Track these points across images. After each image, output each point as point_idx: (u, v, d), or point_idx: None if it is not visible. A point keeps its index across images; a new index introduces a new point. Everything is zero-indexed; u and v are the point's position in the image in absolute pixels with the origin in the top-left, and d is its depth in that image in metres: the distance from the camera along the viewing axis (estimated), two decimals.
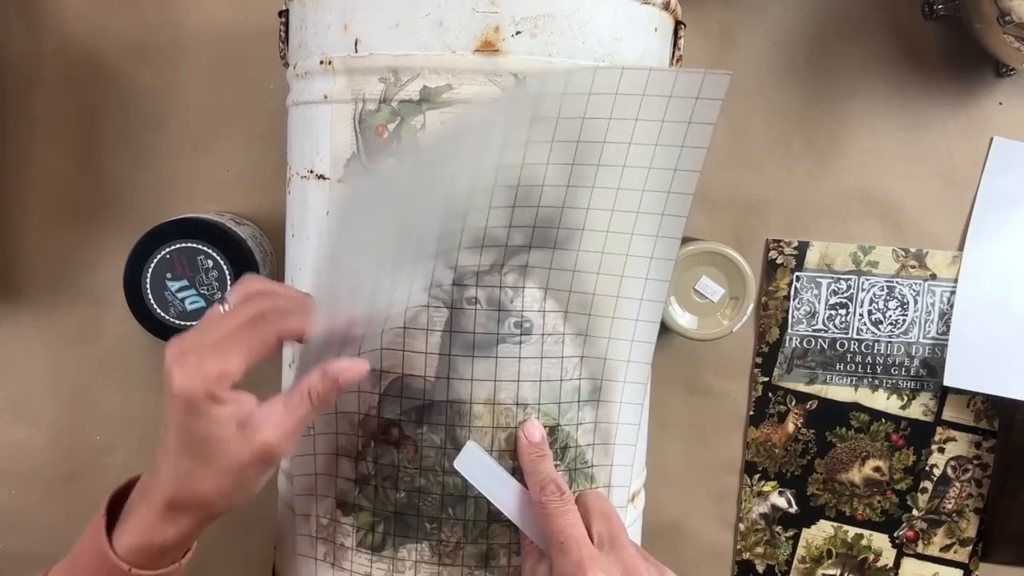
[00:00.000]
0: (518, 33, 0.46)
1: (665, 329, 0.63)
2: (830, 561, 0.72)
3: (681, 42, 0.54)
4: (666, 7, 0.51)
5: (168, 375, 0.42)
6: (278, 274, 0.67)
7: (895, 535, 0.71)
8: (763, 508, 0.71)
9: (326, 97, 0.49)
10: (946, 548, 0.72)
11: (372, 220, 0.47)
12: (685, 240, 0.65)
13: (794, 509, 0.71)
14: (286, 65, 0.56)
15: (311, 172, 0.51)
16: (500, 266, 0.48)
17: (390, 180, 0.47)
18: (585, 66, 0.47)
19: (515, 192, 0.47)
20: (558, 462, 0.50)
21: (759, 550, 0.72)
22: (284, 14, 0.55)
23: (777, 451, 0.71)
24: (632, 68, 0.46)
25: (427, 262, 0.48)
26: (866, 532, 0.71)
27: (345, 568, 0.51)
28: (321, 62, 0.49)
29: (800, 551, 0.72)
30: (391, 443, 0.49)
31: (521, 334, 0.49)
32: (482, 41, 0.46)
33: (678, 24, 0.53)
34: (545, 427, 0.49)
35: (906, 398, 0.70)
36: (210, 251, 0.59)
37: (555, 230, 0.49)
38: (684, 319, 0.64)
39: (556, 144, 0.47)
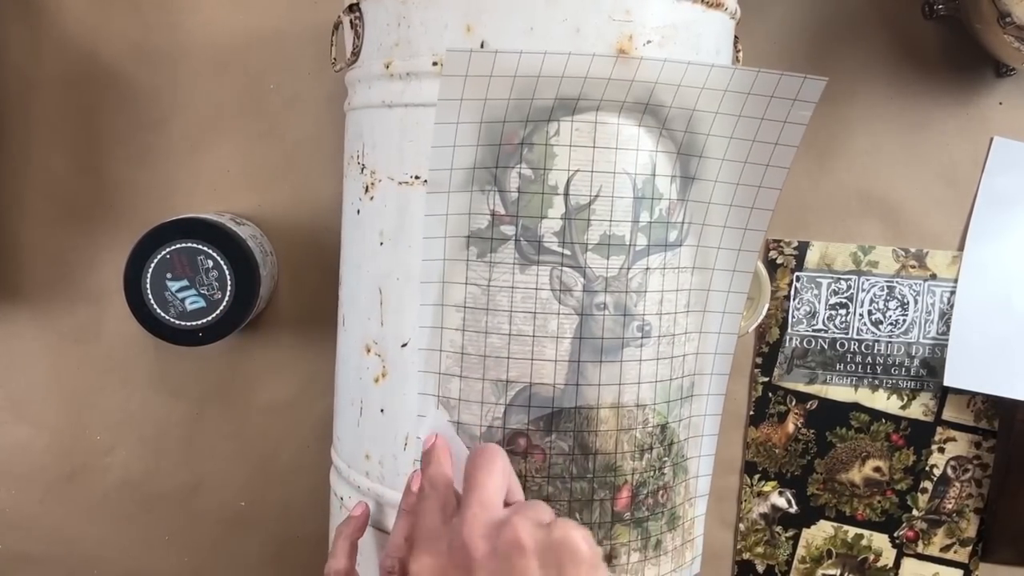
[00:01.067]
0: (649, 42, 0.47)
1: None
2: (830, 561, 0.72)
3: (740, 54, 0.57)
4: (736, 20, 0.54)
5: None
6: (283, 275, 0.67)
7: (895, 535, 0.71)
8: (763, 508, 0.71)
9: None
10: (946, 548, 0.72)
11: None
12: None
13: (794, 509, 0.71)
14: (350, 63, 0.54)
15: (415, 178, 0.50)
16: (627, 270, 0.49)
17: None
18: (701, 63, 0.48)
19: (632, 182, 0.48)
20: (667, 458, 0.51)
21: (759, 550, 0.72)
22: (356, 8, 0.52)
23: (777, 451, 0.71)
24: (743, 68, 0.49)
25: (549, 262, 0.48)
26: (866, 532, 0.71)
27: None
28: (435, 63, 0.48)
29: (800, 551, 0.72)
30: (518, 453, 0.49)
31: (642, 337, 0.49)
32: (617, 49, 0.46)
33: (736, 37, 0.56)
34: (657, 425, 0.51)
35: (906, 398, 0.70)
36: (210, 251, 0.59)
37: (665, 225, 0.50)
38: None
39: (666, 131, 0.49)
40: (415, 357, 0.50)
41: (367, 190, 0.53)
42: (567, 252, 0.48)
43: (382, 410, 0.52)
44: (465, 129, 0.48)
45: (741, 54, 0.57)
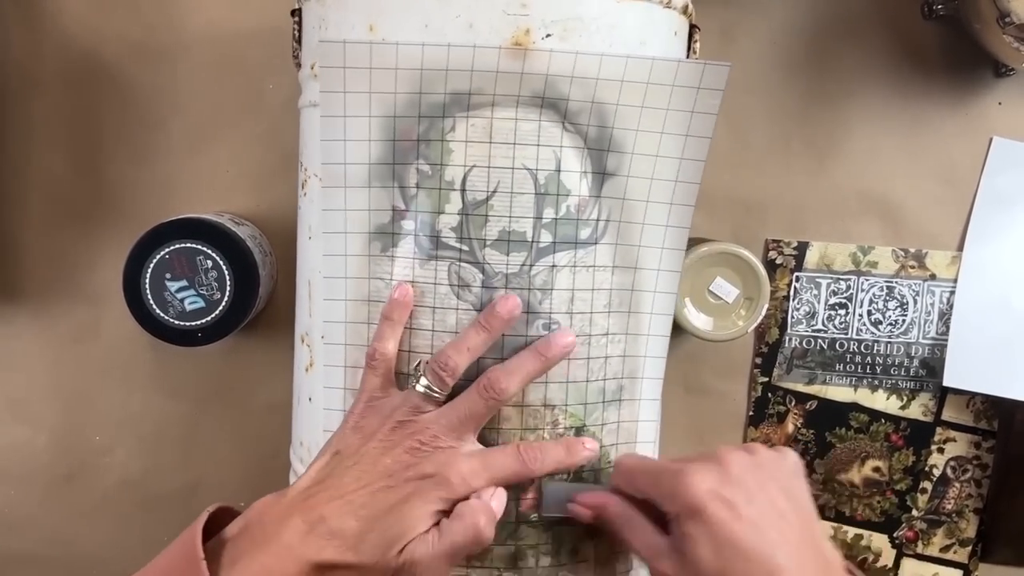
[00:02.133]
0: (548, 36, 0.46)
1: (680, 331, 0.63)
2: None
3: (697, 45, 0.54)
4: (684, 11, 0.52)
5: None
6: (282, 275, 0.67)
7: (895, 535, 0.71)
8: None
9: None
10: (946, 548, 0.72)
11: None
12: (699, 241, 0.65)
13: None
14: (299, 65, 0.55)
15: None
16: (529, 266, 0.48)
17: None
18: (590, 52, 0.47)
19: (534, 178, 0.48)
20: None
21: None
22: (297, 13, 0.54)
23: None
24: (635, 57, 0.47)
25: (447, 258, 0.48)
26: (866, 532, 0.71)
27: None
28: None
29: None
30: None
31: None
32: (512, 43, 0.46)
33: (693, 27, 0.54)
34: (571, 428, 0.50)
35: (905, 398, 0.70)
36: (209, 251, 0.59)
37: (575, 222, 0.49)
38: (699, 320, 0.63)
39: (570, 126, 0.48)
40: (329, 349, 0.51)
41: (303, 187, 0.54)
42: (464, 248, 0.48)
43: (310, 398, 0.53)
44: (355, 123, 0.48)
45: (698, 44, 0.54)
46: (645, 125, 0.49)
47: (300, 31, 0.54)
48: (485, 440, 0.48)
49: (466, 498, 0.46)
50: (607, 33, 0.48)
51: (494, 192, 0.47)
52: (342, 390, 0.50)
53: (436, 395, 0.47)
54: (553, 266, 0.48)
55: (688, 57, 0.54)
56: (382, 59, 0.46)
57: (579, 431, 0.50)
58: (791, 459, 0.47)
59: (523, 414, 0.49)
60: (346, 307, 0.50)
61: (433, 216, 0.48)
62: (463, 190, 0.47)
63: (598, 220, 0.49)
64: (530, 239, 0.48)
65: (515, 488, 0.48)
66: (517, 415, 0.49)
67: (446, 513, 0.45)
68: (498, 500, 0.46)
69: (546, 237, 0.48)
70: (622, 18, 0.48)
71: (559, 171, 0.48)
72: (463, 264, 0.48)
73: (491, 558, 0.49)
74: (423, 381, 0.47)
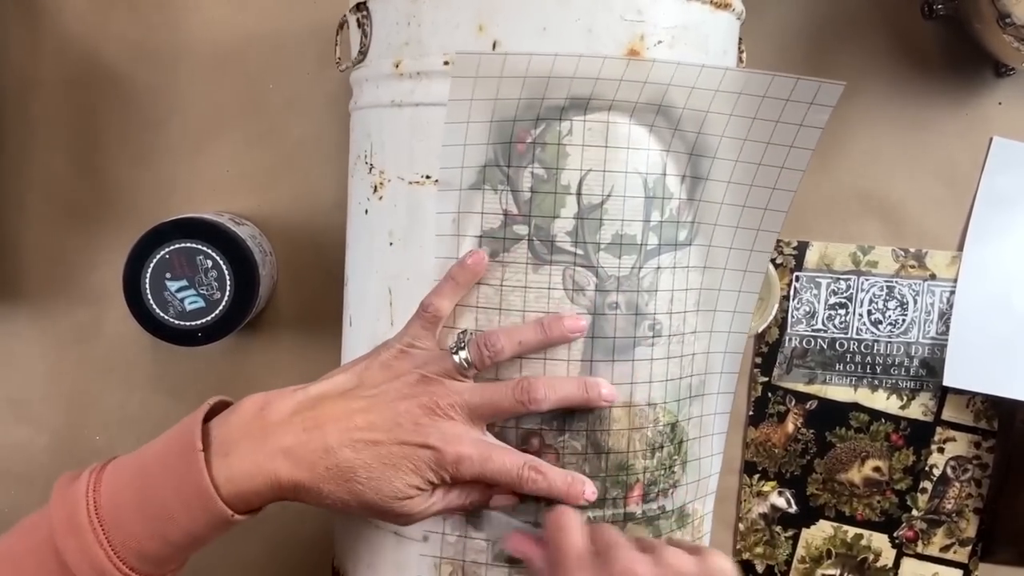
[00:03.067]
0: (659, 43, 0.47)
1: None
2: (830, 561, 0.72)
3: (743, 54, 0.57)
4: (742, 22, 0.54)
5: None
6: (282, 275, 0.67)
7: (895, 535, 0.71)
8: (763, 508, 0.71)
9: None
10: (946, 548, 0.72)
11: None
12: None
13: (794, 509, 0.71)
14: (357, 63, 0.53)
15: (426, 178, 0.50)
16: (638, 269, 0.49)
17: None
18: (715, 66, 0.49)
19: (644, 181, 0.48)
20: (676, 456, 0.51)
21: (759, 550, 0.72)
22: (363, 7, 0.52)
23: (777, 451, 0.71)
24: (758, 72, 0.49)
25: (562, 262, 0.48)
26: (866, 532, 0.71)
27: None
28: (446, 62, 0.48)
29: (800, 551, 0.72)
30: (532, 453, 0.49)
31: (653, 336, 0.49)
32: (628, 49, 0.47)
33: (740, 39, 0.56)
34: (668, 424, 0.51)
35: (906, 398, 0.70)
36: (210, 251, 0.59)
37: (675, 224, 0.50)
38: None
39: (678, 132, 0.49)
40: None
41: (376, 190, 0.52)
42: (580, 252, 0.48)
43: None
44: (476, 128, 0.48)
45: (744, 54, 0.57)
46: (753, 135, 0.51)
47: (370, 27, 0.52)
48: (597, 442, 0.49)
49: (452, 480, 0.47)
50: (702, 42, 0.49)
51: (608, 196, 0.48)
52: None
53: (468, 368, 0.47)
54: (658, 268, 0.49)
55: (738, 63, 0.57)
56: (513, 69, 0.46)
57: (673, 427, 0.51)
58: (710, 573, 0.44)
59: (630, 414, 0.49)
60: (454, 313, 0.49)
61: (548, 220, 0.48)
62: (579, 194, 0.48)
63: (693, 223, 0.51)
64: (639, 242, 0.49)
65: (622, 486, 0.50)
66: (626, 416, 0.49)
67: (432, 484, 0.46)
68: (474, 496, 0.48)
69: (652, 240, 0.49)
70: (714, 28, 0.50)
71: (665, 175, 0.49)
72: (578, 268, 0.48)
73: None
74: (463, 353, 0.47)
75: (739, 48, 0.56)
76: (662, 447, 0.51)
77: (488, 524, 0.49)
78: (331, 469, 0.45)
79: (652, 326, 0.49)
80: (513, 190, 0.48)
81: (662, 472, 0.51)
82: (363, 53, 0.53)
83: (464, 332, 0.48)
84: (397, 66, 0.50)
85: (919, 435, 0.70)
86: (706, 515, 0.56)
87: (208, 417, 0.46)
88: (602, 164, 0.48)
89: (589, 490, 0.48)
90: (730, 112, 0.50)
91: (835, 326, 0.70)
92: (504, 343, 0.47)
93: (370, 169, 0.53)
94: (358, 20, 0.53)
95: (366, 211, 0.53)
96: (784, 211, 0.53)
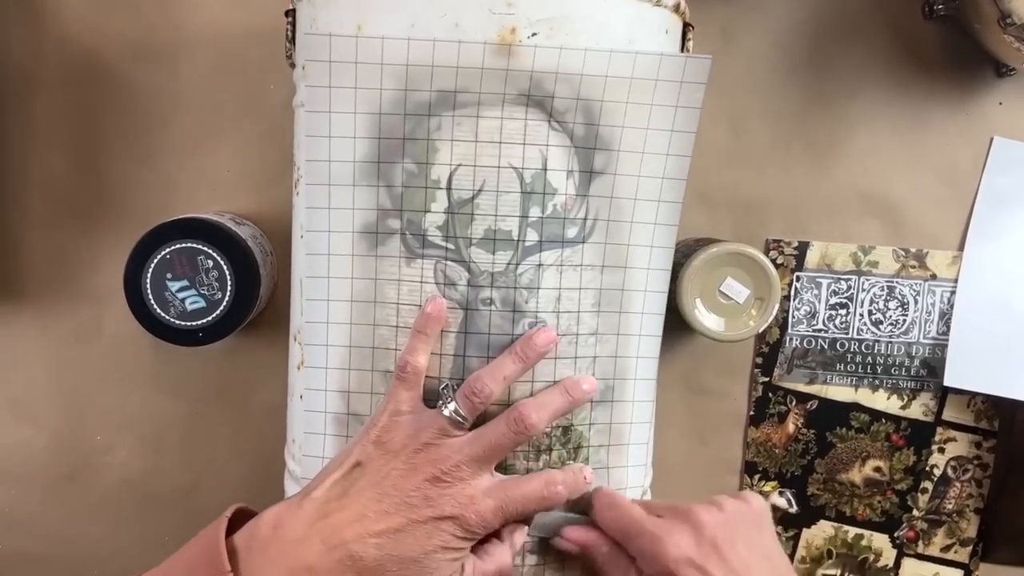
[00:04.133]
0: (534, 35, 0.46)
1: (685, 330, 0.63)
2: (830, 561, 0.72)
3: (690, 44, 0.54)
4: (676, 9, 0.51)
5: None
6: (283, 275, 0.67)
7: (895, 535, 0.71)
8: None
9: None
10: (946, 548, 0.72)
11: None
12: (709, 241, 0.65)
13: (794, 509, 0.71)
14: (292, 65, 0.55)
15: None
16: (515, 265, 0.48)
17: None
18: (572, 47, 0.47)
19: (520, 177, 0.48)
20: (571, 461, 0.50)
21: None
22: (291, 13, 0.54)
23: (777, 451, 0.71)
24: (620, 52, 0.47)
25: (433, 256, 0.48)
26: (866, 532, 0.71)
27: None
28: None
29: (800, 551, 0.72)
30: None
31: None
32: (498, 42, 0.46)
33: (686, 26, 0.53)
34: (558, 427, 0.50)
35: (906, 398, 0.70)
36: (210, 251, 0.59)
37: (561, 220, 0.48)
38: (710, 321, 0.63)
39: (554, 123, 0.47)
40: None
41: (295, 187, 0.54)
42: (451, 246, 0.48)
43: (300, 396, 0.53)
44: (340, 119, 0.48)
45: (691, 43, 0.54)
46: (630, 121, 0.49)
47: (293, 31, 0.54)
48: None
49: (486, 536, 0.47)
50: (595, 32, 0.47)
51: (480, 191, 0.47)
52: (323, 392, 0.50)
53: (463, 421, 0.47)
54: (539, 265, 0.48)
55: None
56: (368, 54, 0.46)
57: (566, 430, 0.50)
58: (755, 507, 0.49)
59: None
60: (328, 307, 0.49)
61: (419, 215, 0.48)
62: (449, 189, 0.48)
63: (585, 219, 0.49)
64: (516, 238, 0.48)
65: (507, 470, 0.49)
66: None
67: (465, 545, 0.46)
68: (519, 535, 0.48)
69: (532, 236, 0.48)
70: (610, 16, 0.48)
71: (545, 170, 0.48)
72: (449, 263, 0.48)
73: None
74: (451, 406, 0.46)
75: (684, 36, 0.53)
76: (551, 450, 0.50)
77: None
78: (362, 573, 0.44)
79: (533, 324, 0.48)
80: (386, 185, 0.48)
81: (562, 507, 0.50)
82: (288, 56, 0.55)
83: (446, 387, 0.48)
84: (303, 68, 0.52)
85: (920, 435, 0.70)
86: None
87: (230, 524, 0.46)
88: (472, 159, 0.47)
89: (588, 472, 0.49)
90: (602, 98, 0.48)
91: (836, 326, 0.70)
92: (489, 384, 0.46)
93: (294, 167, 0.54)
94: (286, 25, 0.55)
95: (293, 207, 0.55)
96: (679, 202, 0.50)
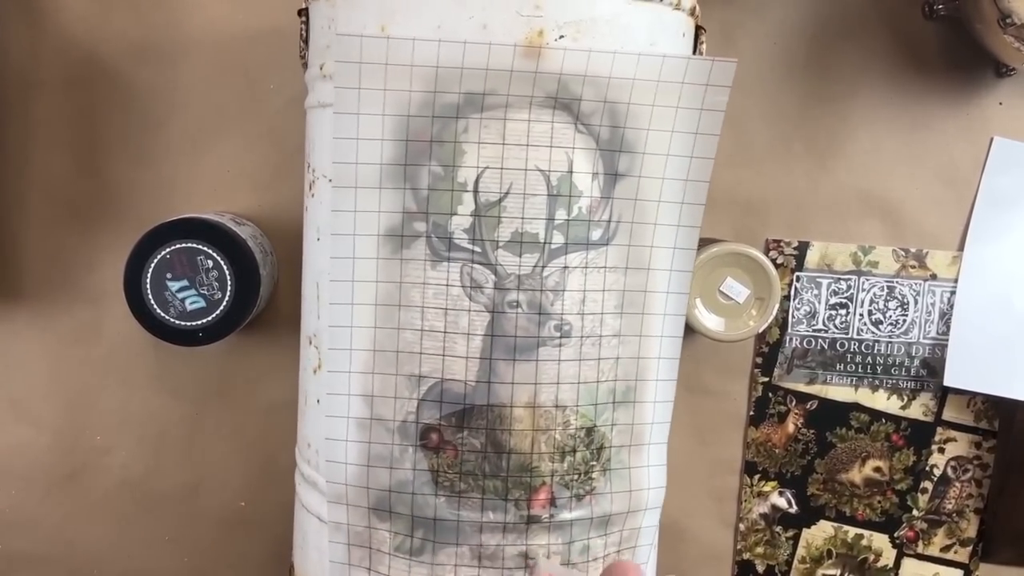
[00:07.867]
0: (561, 37, 0.46)
1: (691, 331, 0.63)
2: (830, 561, 0.72)
3: (703, 46, 0.54)
4: (692, 12, 0.52)
5: None
6: (283, 275, 0.67)
7: (895, 535, 0.71)
8: (763, 508, 0.71)
9: None
10: (946, 548, 0.72)
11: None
12: (709, 241, 0.65)
13: (794, 509, 0.71)
14: (305, 66, 0.55)
15: None
16: (541, 268, 0.48)
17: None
18: (602, 50, 0.47)
19: (546, 179, 0.48)
20: (594, 462, 0.50)
21: (759, 550, 0.72)
22: (304, 13, 0.54)
23: (777, 451, 0.71)
24: (648, 55, 0.47)
25: (460, 259, 0.48)
26: (866, 532, 0.71)
27: (382, 573, 0.50)
28: None
29: (800, 551, 0.72)
30: (430, 448, 0.49)
31: (560, 337, 0.49)
32: (526, 44, 0.46)
33: (699, 28, 0.54)
34: (582, 428, 0.50)
35: (906, 398, 0.70)
36: (210, 251, 0.59)
37: (586, 223, 0.49)
38: (711, 321, 0.63)
39: (580, 126, 0.48)
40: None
41: (310, 188, 0.54)
42: (477, 249, 0.48)
43: (318, 400, 0.53)
44: (368, 121, 0.47)
45: (704, 45, 0.55)
46: (656, 124, 0.49)
47: (307, 31, 0.54)
48: (497, 441, 0.48)
49: None
50: (619, 35, 0.48)
51: (506, 194, 0.47)
52: (346, 396, 0.50)
53: None
54: (565, 267, 0.48)
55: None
56: (397, 55, 0.46)
57: (589, 431, 0.50)
58: None
59: (535, 415, 0.49)
60: (352, 311, 0.49)
61: (445, 218, 0.48)
62: (475, 191, 0.47)
63: (609, 221, 0.49)
64: (542, 240, 0.48)
65: (525, 488, 0.49)
66: (529, 416, 0.49)
67: None
68: None
69: (558, 238, 0.48)
70: (633, 20, 0.48)
71: (571, 172, 0.48)
72: (475, 265, 0.48)
73: (503, 559, 0.49)
74: None
75: (697, 39, 0.54)
76: (575, 451, 0.50)
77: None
78: None
79: (559, 326, 0.48)
80: (412, 188, 0.48)
81: (575, 477, 0.50)
82: (302, 56, 0.55)
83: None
84: (321, 68, 0.52)
85: (920, 435, 0.70)
86: (643, 529, 0.53)
87: None
88: (499, 162, 0.47)
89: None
90: (628, 100, 0.48)
91: (836, 326, 0.70)
92: None
93: (308, 168, 0.54)
94: (300, 25, 0.54)
95: (306, 208, 0.55)
96: (702, 204, 0.51)
